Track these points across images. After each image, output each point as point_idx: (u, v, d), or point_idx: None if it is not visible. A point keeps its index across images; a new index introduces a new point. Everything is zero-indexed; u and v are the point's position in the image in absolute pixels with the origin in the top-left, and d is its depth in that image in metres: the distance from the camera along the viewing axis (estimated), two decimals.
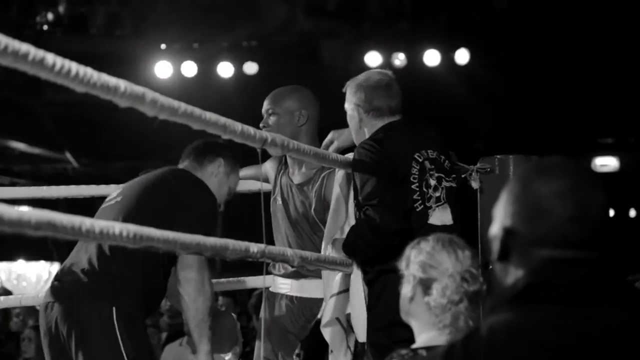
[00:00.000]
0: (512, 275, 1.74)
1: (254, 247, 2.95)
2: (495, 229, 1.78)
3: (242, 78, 12.26)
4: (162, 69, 12.03)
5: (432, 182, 3.72)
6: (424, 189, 3.71)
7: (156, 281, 3.57)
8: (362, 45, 12.26)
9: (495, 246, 1.76)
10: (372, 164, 3.68)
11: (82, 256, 3.53)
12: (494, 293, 1.80)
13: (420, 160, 3.74)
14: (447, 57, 12.19)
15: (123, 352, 3.43)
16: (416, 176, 3.70)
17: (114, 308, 3.46)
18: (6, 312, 8.52)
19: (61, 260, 13.65)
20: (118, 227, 2.11)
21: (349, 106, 3.90)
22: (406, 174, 3.70)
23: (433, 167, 3.75)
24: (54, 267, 13.34)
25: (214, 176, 3.76)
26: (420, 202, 3.68)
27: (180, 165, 3.81)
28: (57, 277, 3.59)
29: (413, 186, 3.70)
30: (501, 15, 12.35)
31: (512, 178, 1.83)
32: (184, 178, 3.69)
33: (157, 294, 3.63)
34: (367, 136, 3.84)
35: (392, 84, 3.91)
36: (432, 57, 12.08)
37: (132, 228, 2.16)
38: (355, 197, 3.73)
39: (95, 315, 3.45)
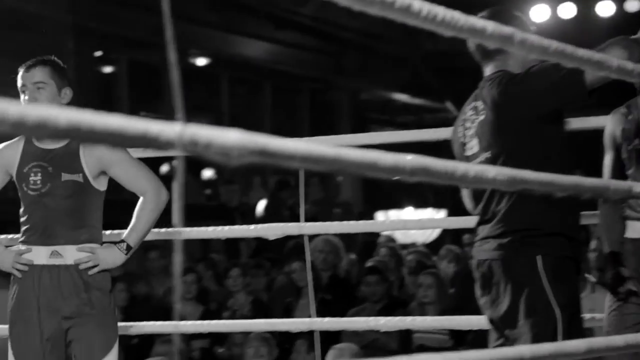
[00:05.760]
0: None
1: (638, 187, 2.82)
2: None
3: (622, 16, 11.84)
4: (539, 12, 11.86)
5: None
6: None
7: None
8: None
9: None
10: None
11: (496, 207, 3.54)
12: None
13: None
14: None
15: (553, 299, 3.41)
16: None
17: (539, 256, 3.44)
18: (399, 258, 8.78)
19: (440, 207, 13.84)
20: (493, 171, 2.10)
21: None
22: None
23: None
24: (440, 215, 13.59)
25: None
26: None
27: None
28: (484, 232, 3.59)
29: None
30: None
31: None
32: None
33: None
34: None
35: None
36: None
37: (506, 171, 2.14)
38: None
39: (523, 266, 3.45)
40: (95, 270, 3.98)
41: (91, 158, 4.03)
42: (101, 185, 4.08)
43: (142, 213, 4.05)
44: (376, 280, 7.14)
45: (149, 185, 4.06)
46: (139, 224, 4.05)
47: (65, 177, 4.03)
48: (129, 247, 4.03)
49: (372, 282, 7.13)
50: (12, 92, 4.06)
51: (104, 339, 3.98)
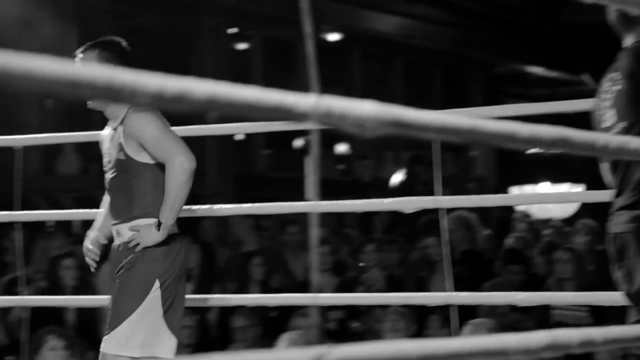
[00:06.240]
0: None
1: None
2: None
3: None
4: None
5: None
6: None
7: None
8: None
9: None
10: None
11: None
12: None
13: None
14: None
15: None
16: None
17: None
18: (537, 233, 8.66)
19: (579, 181, 13.59)
20: (635, 142, 2.04)
21: None
22: None
23: None
24: (577, 189, 13.34)
25: None
26: None
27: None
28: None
29: None
30: None
31: None
32: None
33: None
34: None
35: None
36: None
37: None
38: None
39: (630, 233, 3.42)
40: (139, 248, 4.09)
41: (124, 134, 4.09)
42: (148, 157, 4.11)
43: (165, 187, 4.04)
44: (519, 270, 7.12)
45: (168, 154, 4.01)
46: (167, 197, 4.05)
47: (115, 156, 4.16)
48: (159, 224, 4.06)
49: (515, 272, 7.11)
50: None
51: (129, 299, 4.07)
